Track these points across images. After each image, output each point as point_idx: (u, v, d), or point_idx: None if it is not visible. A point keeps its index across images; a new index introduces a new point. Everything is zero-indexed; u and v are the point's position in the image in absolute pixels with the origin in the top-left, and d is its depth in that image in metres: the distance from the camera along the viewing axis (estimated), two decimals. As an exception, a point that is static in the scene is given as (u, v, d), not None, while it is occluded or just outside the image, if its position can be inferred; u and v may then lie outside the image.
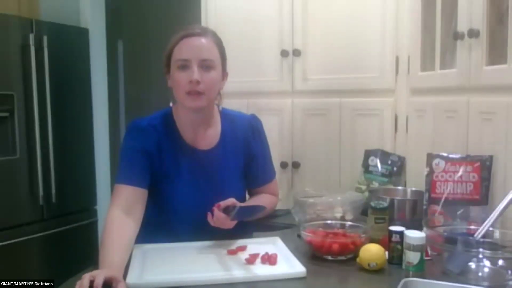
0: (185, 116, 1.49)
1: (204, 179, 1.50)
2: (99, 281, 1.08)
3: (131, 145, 1.46)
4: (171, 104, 1.53)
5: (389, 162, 2.17)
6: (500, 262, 1.24)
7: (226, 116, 1.57)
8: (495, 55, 1.52)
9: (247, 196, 1.65)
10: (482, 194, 1.53)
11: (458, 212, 1.53)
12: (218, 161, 1.52)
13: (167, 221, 1.47)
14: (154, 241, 1.45)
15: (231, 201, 1.39)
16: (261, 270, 1.28)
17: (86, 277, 1.09)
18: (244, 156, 1.56)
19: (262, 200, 1.58)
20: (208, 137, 1.52)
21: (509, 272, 1.22)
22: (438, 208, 1.57)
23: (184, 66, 1.39)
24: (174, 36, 1.44)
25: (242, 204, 1.44)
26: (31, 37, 2.69)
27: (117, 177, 1.46)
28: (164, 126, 1.49)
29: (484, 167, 1.53)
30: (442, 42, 1.79)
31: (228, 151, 1.54)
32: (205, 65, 1.40)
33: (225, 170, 1.53)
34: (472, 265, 1.26)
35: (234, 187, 1.55)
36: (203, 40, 1.41)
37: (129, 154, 1.46)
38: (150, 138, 1.46)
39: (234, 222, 1.38)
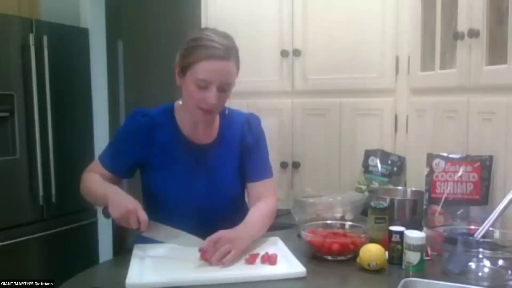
0: (188, 116, 1.50)
1: (201, 173, 1.51)
2: (144, 217, 1.33)
3: (125, 132, 1.54)
4: (180, 102, 1.53)
5: (389, 162, 2.17)
6: (500, 262, 1.24)
7: (224, 113, 1.58)
8: (495, 55, 1.52)
9: (247, 202, 1.64)
10: (482, 194, 1.53)
11: (458, 212, 1.53)
12: (216, 156, 1.54)
13: (164, 218, 1.47)
14: (154, 241, 1.45)
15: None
16: (261, 270, 1.28)
17: (134, 216, 1.32)
18: (240, 151, 1.57)
19: (255, 220, 1.51)
20: (207, 132, 1.54)
21: (509, 272, 1.22)
22: (438, 208, 1.57)
23: (204, 86, 1.39)
24: (194, 47, 1.39)
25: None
26: (31, 37, 2.69)
27: (101, 155, 1.56)
28: (163, 119, 1.52)
29: (484, 167, 1.53)
30: (442, 42, 1.79)
31: (225, 146, 1.55)
32: (223, 88, 1.41)
33: (222, 165, 1.55)
34: (472, 265, 1.26)
35: (230, 183, 1.56)
36: (226, 65, 1.39)
37: (121, 141, 1.55)
38: (144, 129, 1.49)
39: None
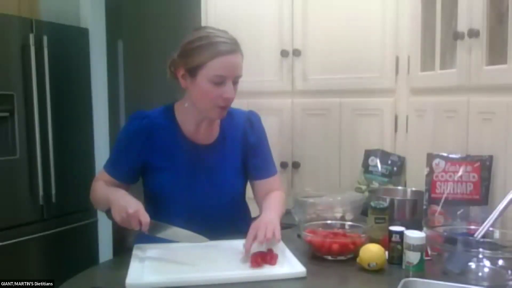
0: (193, 115, 1.50)
1: (202, 173, 1.51)
2: (146, 219, 1.31)
3: (126, 138, 1.53)
4: (186, 104, 1.52)
5: (389, 162, 2.17)
6: (500, 262, 1.24)
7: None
8: (495, 55, 1.52)
9: (255, 198, 1.65)
10: (482, 194, 1.53)
11: (458, 212, 1.53)
12: (217, 156, 1.54)
13: (165, 218, 1.47)
14: (154, 240, 1.46)
15: None
16: (261, 270, 1.28)
17: (135, 219, 1.31)
18: (242, 150, 1.57)
19: (274, 205, 1.54)
20: (209, 132, 1.54)
21: (509, 272, 1.22)
22: (438, 208, 1.57)
23: (220, 82, 1.39)
24: (202, 46, 1.39)
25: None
26: (31, 37, 2.69)
27: (106, 162, 1.56)
28: (164, 120, 1.52)
29: (484, 167, 1.53)
30: (442, 42, 1.79)
31: (228, 145, 1.56)
32: (236, 81, 1.43)
33: (223, 165, 1.55)
34: (472, 265, 1.26)
35: (232, 182, 1.57)
36: (237, 57, 1.42)
37: (122, 146, 1.54)
38: (145, 132, 1.49)
39: None
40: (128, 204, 1.34)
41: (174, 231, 1.40)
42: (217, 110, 1.44)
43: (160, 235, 1.40)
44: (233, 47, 1.40)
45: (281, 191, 1.64)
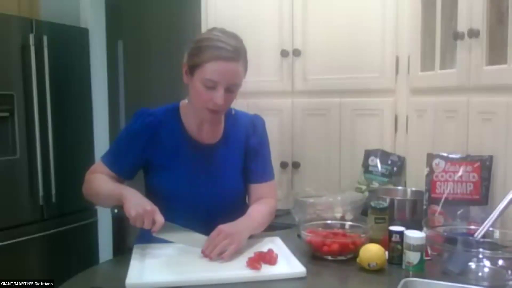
0: (194, 114, 1.51)
1: (205, 172, 1.52)
2: (161, 219, 1.34)
3: (130, 133, 1.54)
4: (186, 101, 1.53)
5: (389, 162, 2.17)
6: (500, 262, 1.24)
7: (230, 113, 1.59)
8: (495, 55, 1.52)
9: (247, 201, 1.65)
10: (482, 194, 1.53)
11: (458, 212, 1.53)
12: (220, 155, 1.54)
13: (166, 217, 1.47)
14: (154, 240, 1.46)
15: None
16: (261, 270, 1.28)
17: (150, 217, 1.33)
18: (244, 152, 1.58)
19: (257, 215, 1.53)
20: (213, 132, 1.55)
21: (509, 272, 1.22)
22: (438, 208, 1.57)
23: (212, 86, 1.39)
24: (203, 47, 1.39)
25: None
26: (31, 37, 2.69)
27: (105, 155, 1.55)
28: (169, 119, 1.52)
29: (484, 167, 1.53)
30: (442, 42, 1.79)
31: (230, 146, 1.56)
32: (231, 88, 1.42)
33: (226, 165, 1.55)
34: (472, 265, 1.26)
35: (234, 182, 1.57)
36: (234, 66, 1.39)
37: (125, 141, 1.54)
38: (149, 129, 1.49)
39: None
40: (145, 201, 1.37)
41: (182, 233, 1.40)
42: (207, 112, 1.43)
43: (168, 237, 1.40)
44: (232, 55, 1.38)
45: (273, 199, 1.62)
